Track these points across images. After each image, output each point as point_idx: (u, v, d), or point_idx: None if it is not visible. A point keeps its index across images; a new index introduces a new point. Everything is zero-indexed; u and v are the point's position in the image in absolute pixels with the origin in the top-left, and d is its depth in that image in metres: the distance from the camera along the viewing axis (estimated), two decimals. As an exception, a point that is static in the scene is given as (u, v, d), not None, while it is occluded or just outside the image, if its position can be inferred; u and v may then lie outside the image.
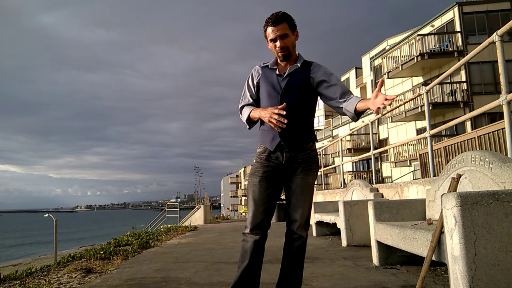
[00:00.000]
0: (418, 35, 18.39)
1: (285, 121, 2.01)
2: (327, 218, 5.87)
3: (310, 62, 2.25)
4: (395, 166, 21.16)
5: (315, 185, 2.31)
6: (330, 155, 26.52)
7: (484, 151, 2.68)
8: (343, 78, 34.55)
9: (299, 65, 2.21)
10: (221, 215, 39.15)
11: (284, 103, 2.05)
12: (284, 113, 2.01)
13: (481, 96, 17.08)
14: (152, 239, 7.26)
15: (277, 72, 2.22)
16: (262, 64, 2.31)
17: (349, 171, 24.43)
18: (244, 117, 2.28)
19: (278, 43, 2.13)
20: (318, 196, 9.69)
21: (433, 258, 2.29)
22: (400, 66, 18.93)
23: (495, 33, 3.21)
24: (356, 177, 22.43)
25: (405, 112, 18.63)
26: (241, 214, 47.91)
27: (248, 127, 2.30)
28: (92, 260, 4.79)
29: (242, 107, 2.34)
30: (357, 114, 2.08)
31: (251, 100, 2.32)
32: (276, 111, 2.02)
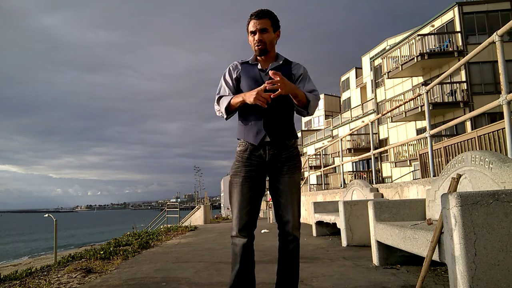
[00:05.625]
0: (418, 35, 18.39)
1: (271, 96, 1.99)
2: (327, 218, 5.87)
3: (290, 61, 2.27)
4: (395, 166, 21.16)
5: (301, 184, 2.30)
6: (330, 155, 26.55)
7: (484, 151, 2.68)
8: (343, 78, 34.54)
9: (280, 62, 2.22)
10: (221, 215, 39.11)
11: (266, 84, 2.01)
12: (277, 78, 1.95)
13: (481, 96, 17.08)
14: (152, 239, 7.26)
15: (259, 67, 2.21)
16: (241, 60, 2.28)
17: (349, 171, 24.44)
18: (223, 105, 2.15)
19: (256, 36, 2.14)
20: (318, 196, 9.68)
21: (433, 258, 2.29)
22: (400, 66, 18.94)
23: (495, 33, 3.21)
24: (356, 177, 22.43)
25: (405, 112, 18.64)
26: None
27: (225, 116, 2.17)
28: (92, 260, 4.79)
29: (220, 97, 2.22)
30: (301, 108, 2.13)
31: (231, 93, 2.23)
32: (263, 87, 1.99)
